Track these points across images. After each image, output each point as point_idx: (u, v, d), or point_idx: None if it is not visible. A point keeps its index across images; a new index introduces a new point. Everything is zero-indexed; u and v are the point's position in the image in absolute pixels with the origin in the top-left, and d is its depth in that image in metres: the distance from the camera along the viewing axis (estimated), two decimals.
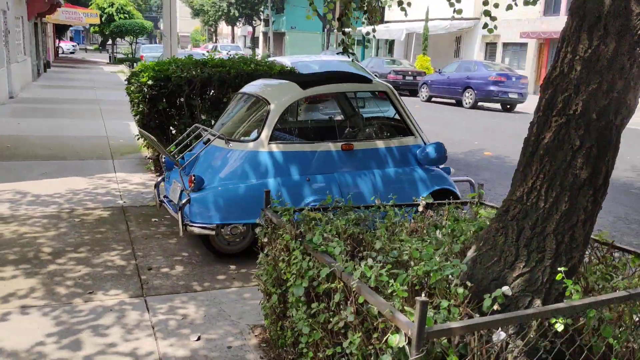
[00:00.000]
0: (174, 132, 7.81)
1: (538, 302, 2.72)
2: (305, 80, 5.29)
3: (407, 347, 2.06)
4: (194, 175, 4.79)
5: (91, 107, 15.53)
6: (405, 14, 8.67)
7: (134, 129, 11.74)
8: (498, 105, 21.57)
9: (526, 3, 7.45)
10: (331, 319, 2.59)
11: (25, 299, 4.18)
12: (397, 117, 5.73)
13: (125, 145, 10.12)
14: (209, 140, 5.23)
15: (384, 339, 2.15)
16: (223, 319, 3.99)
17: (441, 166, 5.67)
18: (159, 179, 5.64)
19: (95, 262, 4.91)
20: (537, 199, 2.73)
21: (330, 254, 2.78)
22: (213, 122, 7.67)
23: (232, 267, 4.96)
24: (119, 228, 5.82)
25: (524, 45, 27.60)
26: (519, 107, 21.36)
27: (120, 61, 26.04)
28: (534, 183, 2.75)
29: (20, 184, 7.24)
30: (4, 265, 4.76)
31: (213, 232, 4.84)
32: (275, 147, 4.97)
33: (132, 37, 27.39)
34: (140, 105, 7.61)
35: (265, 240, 3.45)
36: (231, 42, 58.93)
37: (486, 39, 30.24)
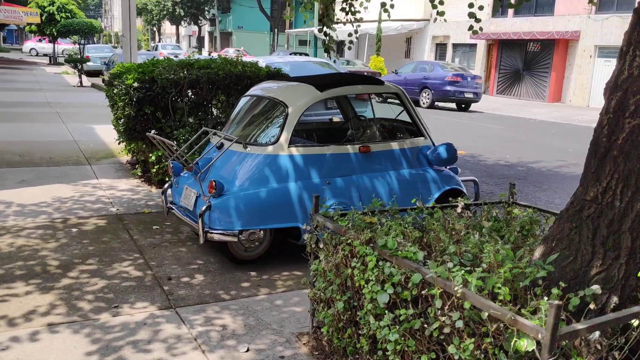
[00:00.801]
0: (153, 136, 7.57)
1: (615, 299, 2.79)
2: (321, 82, 5.23)
3: (537, 351, 2.07)
4: (214, 181, 4.65)
5: (46, 110, 14.86)
6: (389, 16, 8.71)
7: (101, 132, 11.36)
8: (453, 105, 22.07)
9: (509, 5, 7.65)
10: (425, 325, 2.57)
11: (49, 316, 3.94)
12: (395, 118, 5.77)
13: (97, 150, 9.73)
14: (222, 144, 5.09)
15: (510, 344, 2.15)
16: (264, 328, 3.89)
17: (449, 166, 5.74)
18: (166, 185, 5.45)
19: (109, 274, 4.69)
20: (612, 198, 2.80)
21: (411, 259, 2.76)
22: (200, 125, 7.49)
23: (253, 273, 4.85)
24: (121, 237, 5.59)
25: (474, 46, 28.38)
26: (473, 106, 21.93)
27: (67, 61, 25.00)
28: (609, 183, 2.81)
29: (0, 193, 6.84)
30: (13, 281, 4.48)
31: (235, 239, 4.72)
32: (295, 151, 4.89)
33: (78, 37, 26.37)
34: (126, 109, 7.33)
35: (321, 246, 3.39)
36: (176, 41, 57.75)
37: (436, 39, 30.90)
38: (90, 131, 11.66)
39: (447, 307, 2.48)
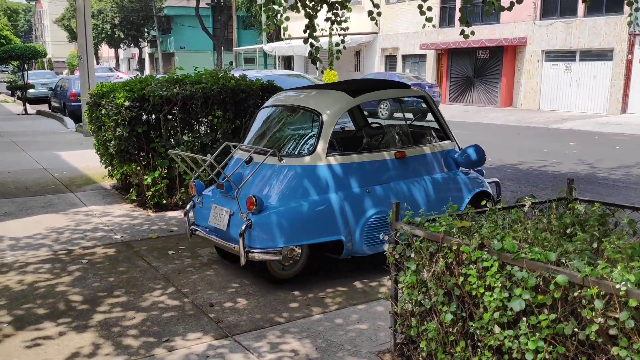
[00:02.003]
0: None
1: None
2: (351, 88, 5.02)
3: None
4: (254, 197, 4.34)
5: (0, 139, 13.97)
6: (377, 24, 8.67)
7: (70, 159, 10.74)
8: (410, 115, 22.25)
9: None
10: (575, 329, 2.38)
11: (97, 357, 3.52)
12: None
13: (73, 177, 9.12)
14: (251, 159, 4.79)
15: None
16: (338, 350, 3.61)
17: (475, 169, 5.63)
18: (188, 206, 5.08)
19: (144, 306, 4.29)
20: None
21: (540, 260, 2.57)
22: (198, 142, 7.12)
23: (296, 293, 4.55)
24: (139, 265, 5.16)
25: (423, 56, 28.88)
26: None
27: (9, 89, 23.75)
28: None
29: None
30: (39, 322, 4.01)
31: (279, 257, 4.41)
32: (333, 160, 4.65)
33: (19, 63, 25.11)
34: (118, 129, 6.88)
35: (412, 255, 3.16)
36: (115, 64, 56.20)
37: (385, 52, 31.28)
38: (57, 159, 10.97)
39: (602, 307, 2.30)
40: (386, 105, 21.99)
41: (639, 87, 20.59)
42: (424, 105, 5.44)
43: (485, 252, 2.75)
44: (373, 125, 6.01)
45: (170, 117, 7.18)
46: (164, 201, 7.10)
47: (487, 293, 2.72)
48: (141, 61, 57.16)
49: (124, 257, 5.39)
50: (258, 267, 4.75)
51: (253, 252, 4.38)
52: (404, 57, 30.17)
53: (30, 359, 3.50)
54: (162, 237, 6.03)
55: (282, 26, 8.61)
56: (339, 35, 8.72)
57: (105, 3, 49.16)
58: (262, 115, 5.34)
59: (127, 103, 6.85)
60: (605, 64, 21.64)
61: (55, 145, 12.72)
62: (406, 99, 5.84)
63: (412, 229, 3.20)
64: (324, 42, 30.12)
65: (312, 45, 8.90)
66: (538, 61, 23.88)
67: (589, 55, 22.25)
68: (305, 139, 4.79)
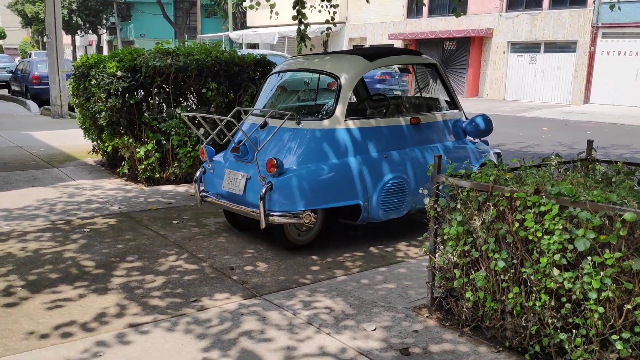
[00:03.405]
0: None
1: None
2: (367, 52, 4.97)
3: None
4: (275, 159, 4.25)
5: None
6: (332, 19, 8.64)
7: (43, 138, 10.37)
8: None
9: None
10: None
11: (125, 317, 3.39)
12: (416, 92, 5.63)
13: (52, 154, 8.77)
14: (266, 123, 4.68)
15: None
16: (373, 306, 3.57)
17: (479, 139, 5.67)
18: (198, 172, 4.94)
19: (162, 270, 4.15)
20: None
21: (600, 202, 2.60)
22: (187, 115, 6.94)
23: (314, 257, 4.49)
24: (145, 233, 5.00)
25: (391, 46, 29.06)
26: None
27: None
28: None
29: None
30: (55, 285, 3.83)
31: (299, 220, 4.34)
32: (352, 124, 4.60)
33: None
34: (110, 100, 6.64)
35: (458, 206, 3.15)
36: (72, 52, 54.44)
37: (353, 41, 31.33)
38: (30, 137, 10.54)
39: None
40: None
41: (601, 78, 21.24)
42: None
43: (543, 197, 2.76)
44: (375, 97, 5.99)
45: (162, 89, 6.98)
46: (157, 175, 6.91)
47: (545, 237, 2.73)
48: (99, 48, 55.60)
49: (127, 226, 5.21)
50: (271, 234, 4.67)
51: (273, 216, 4.30)
52: (372, 47, 30.27)
53: (54, 320, 3.34)
54: (162, 209, 5.86)
55: (269, 4, 8.49)
56: (329, 12, 8.67)
57: None
58: (273, 80, 5.23)
59: (119, 73, 6.62)
60: (569, 56, 22.23)
61: (25, 126, 12.23)
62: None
63: (457, 181, 3.18)
64: (266, 32, 29.95)
65: (300, 22, 8.81)
66: (504, 52, 24.34)
67: (553, 47, 22.81)
68: (323, 103, 4.72)
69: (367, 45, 30.54)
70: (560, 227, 2.65)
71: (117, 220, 5.38)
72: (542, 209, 2.74)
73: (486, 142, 5.75)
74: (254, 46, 38.20)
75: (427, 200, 3.36)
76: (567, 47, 22.26)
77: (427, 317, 3.40)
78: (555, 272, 2.69)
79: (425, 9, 27.32)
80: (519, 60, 24.00)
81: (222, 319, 3.36)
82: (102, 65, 6.90)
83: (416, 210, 5.04)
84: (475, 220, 3.03)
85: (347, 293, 3.78)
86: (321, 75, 4.81)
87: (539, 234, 2.74)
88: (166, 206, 5.95)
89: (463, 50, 25.67)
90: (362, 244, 4.84)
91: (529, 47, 23.63)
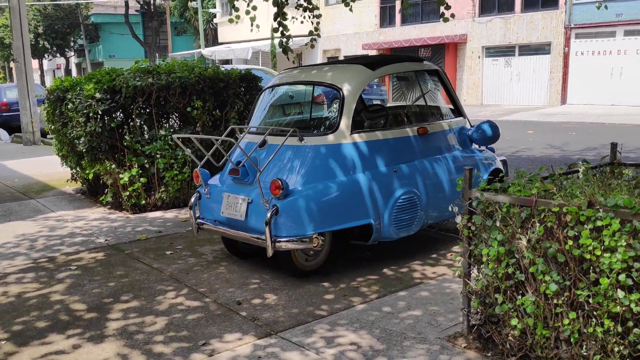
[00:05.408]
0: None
1: None
2: (369, 61, 4.67)
3: None
4: (280, 180, 3.91)
5: None
6: (316, 29, 8.40)
7: (17, 167, 9.86)
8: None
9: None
10: None
11: None
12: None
13: (28, 184, 8.28)
14: (265, 142, 4.34)
15: None
16: (403, 339, 3.24)
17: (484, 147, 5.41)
18: (193, 198, 4.56)
19: (161, 309, 3.76)
20: None
21: None
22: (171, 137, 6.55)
23: (326, 284, 4.14)
24: (138, 267, 4.60)
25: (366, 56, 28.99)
26: None
27: None
28: None
29: None
30: (44, 335, 3.42)
31: (309, 245, 3.99)
32: (358, 138, 4.29)
33: None
34: (89, 124, 6.23)
35: (497, 224, 2.84)
36: (40, 77, 53.43)
37: (327, 53, 31.19)
38: (2, 167, 10.01)
39: None
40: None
41: (577, 78, 21.38)
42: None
43: (600, 211, 2.47)
44: (371, 109, 5.69)
45: (144, 110, 6.59)
46: (142, 201, 6.49)
47: (605, 255, 2.43)
48: (68, 71, 54.55)
49: (117, 260, 4.80)
50: (274, 261, 4.31)
51: (280, 242, 3.95)
52: (347, 57, 30.14)
53: None
54: (153, 238, 5.45)
55: (249, 17, 8.18)
56: (312, 23, 8.40)
57: (28, 11, 46.60)
58: (267, 95, 4.90)
59: (98, 95, 6.21)
60: (543, 58, 22.35)
61: None
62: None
63: (494, 196, 2.88)
64: (239, 48, 29.57)
65: (282, 34, 8.51)
66: (479, 57, 24.40)
67: (527, 49, 22.92)
68: (325, 117, 4.40)
69: (341, 57, 30.42)
70: (624, 244, 2.36)
71: (106, 254, 4.97)
72: (599, 223, 2.45)
73: (492, 150, 5.49)
74: (227, 62, 37.85)
75: (459, 219, 3.04)
76: (541, 49, 22.39)
77: (465, 347, 3.08)
78: (620, 294, 2.40)
79: (398, 18, 27.34)
80: (494, 64, 24.08)
81: None
82: (78, 88, 6.49)
83: (429, 226, 4.74)
84: (519, 239, 2.72)
85: (371, 324, 3.44)
86: (320, 87, 4.49)
87: (598, 252, 2.45)
88: (156, 235, 5.54)
89: (438, 57, 25.67)
90: (373, 266, 4.51)
91: (504, 51, 23.73)
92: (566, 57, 21.56)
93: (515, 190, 2.82)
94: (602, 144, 10.67)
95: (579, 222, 2.54)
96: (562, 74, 21.70)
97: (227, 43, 33.50)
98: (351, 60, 5.03)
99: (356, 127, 4.66)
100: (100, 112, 6.22)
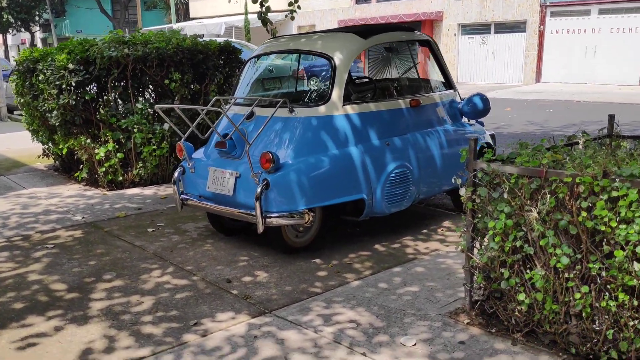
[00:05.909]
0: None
1: None
2: (361, 30, 4.49)
3: None
4: (270, 153, 3.74)
5: None
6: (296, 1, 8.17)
7: None
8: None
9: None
10: None
11: (118, 351, 2.83)
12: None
13: None
14: (252, 113, 4.15)
15: None
16: (403, 316, 3.13)
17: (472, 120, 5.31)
18: (176, 173, 4.36)
19: (147, 288, 3.58)
20: None
21: None
22: (151, 109, 6.30)
23: (317, 261, 4.01)
24: (119, 245, 4.40)
25: None
26: None
27: None
28: None
29: None
30: (22, 317, 3.22)
31: (301, 220, 3.85)
32: (350, 109, 4.13)
33: None
34: (62, 97, 5.93)
35: (505, 196, 2.73)
36: (4, 52, 51.70)
37: (302, 29, 30.75)
38: None
39: None
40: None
41: (552, 56, 21.48)
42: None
43: (616, 180, 2.37)
44: (357, 81, 5.52)
45: (119, 82, 6.30)
46: (120, 178, 6.24)
47: (621, 226, 2.34)
48: (33, 47, 52.86)
49: (96, 238, 4.59)
50: (262, 237, 4.14)
51: (271, 217, 3.79)
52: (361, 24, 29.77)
53: None
54: (132, 215, 5.24)
55: None
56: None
57: None
58: (253, 65, 4.69)
59: (71, 65, 5.90)
60: (519, 36, 22.39)
61: None
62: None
63: (501, 167, 2.76)
64: (211, 23, 29.07)
65: (261, 4, 8.25)
66: (455, 35, 24.33)
67: (503, 27, 22.92)
68: (316, 87, 4.22)
69: None
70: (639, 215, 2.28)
71: (84, 232, 4.74)
72: (614, 194, 2.36)
73: (482, 124, 5.39)
74: (199, 37, 37.12)
75: (462, 191, 2.93)
76: (516, 27, 22.40)
77: (468, 323, 2.99)
78: (636, 266, 2.31)
79: None
80: (470, 42, 24.04)
81: (234, 346, 2.85)
82: (50, 59, 6.16)
83: (418, 202, 4.64)
84: (529, 211, 2.61)
85: (368, 301, 3.33)
86: (313, 55, 4.30)
87: (613, 224, 2.36)
88: (136, 212, 5.33)
89: None
90: (364, 241, 4.39)
91: (480, 29, 23.68)
92: (541, 35, 21.61)
93: (524, 161, 2.71)
94: (581, 120, 10.71)
95: (593, 192, 2.44)
96: (537, 52, 21.78)
97: (199, 18, 32.74)
98: (341, 29, 4.85)
99: (345, 99, 4.50)
100: (73, 84, 5.92)
